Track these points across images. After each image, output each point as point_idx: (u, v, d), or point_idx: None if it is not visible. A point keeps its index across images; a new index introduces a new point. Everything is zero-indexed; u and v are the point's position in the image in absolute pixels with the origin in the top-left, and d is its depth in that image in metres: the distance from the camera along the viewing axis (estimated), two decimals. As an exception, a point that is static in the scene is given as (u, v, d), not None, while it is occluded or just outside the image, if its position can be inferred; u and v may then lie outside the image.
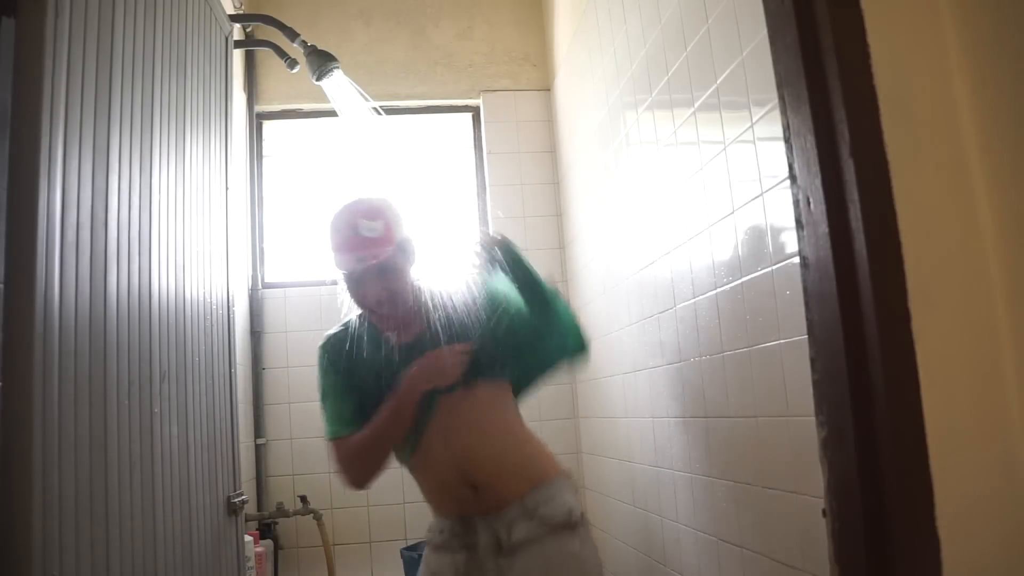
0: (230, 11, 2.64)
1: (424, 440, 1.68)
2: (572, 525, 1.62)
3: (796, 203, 0.91)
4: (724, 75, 1.52)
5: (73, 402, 1.04)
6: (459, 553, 1.68)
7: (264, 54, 3.16)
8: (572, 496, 1.69)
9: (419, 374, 1.63)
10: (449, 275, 1.72)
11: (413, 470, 1.76)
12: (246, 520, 2.31)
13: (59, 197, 1.04)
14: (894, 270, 0.80)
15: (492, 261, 1.63)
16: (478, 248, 1.66)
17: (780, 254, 1.33)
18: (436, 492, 1.74)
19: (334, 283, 1.70)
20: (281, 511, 2.74)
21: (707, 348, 1.69)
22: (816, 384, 0.89)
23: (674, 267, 1.87)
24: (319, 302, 3.10)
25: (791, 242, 1.26)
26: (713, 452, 1.68)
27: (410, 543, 2.88)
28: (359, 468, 1.68)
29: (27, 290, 0.96)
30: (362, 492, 2.97)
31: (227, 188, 1.92)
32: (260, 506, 2.92)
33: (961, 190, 0.83)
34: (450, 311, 1.66)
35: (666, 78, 1.86)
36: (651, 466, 2.12)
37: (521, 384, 1.75)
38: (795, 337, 1.28)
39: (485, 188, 3.36)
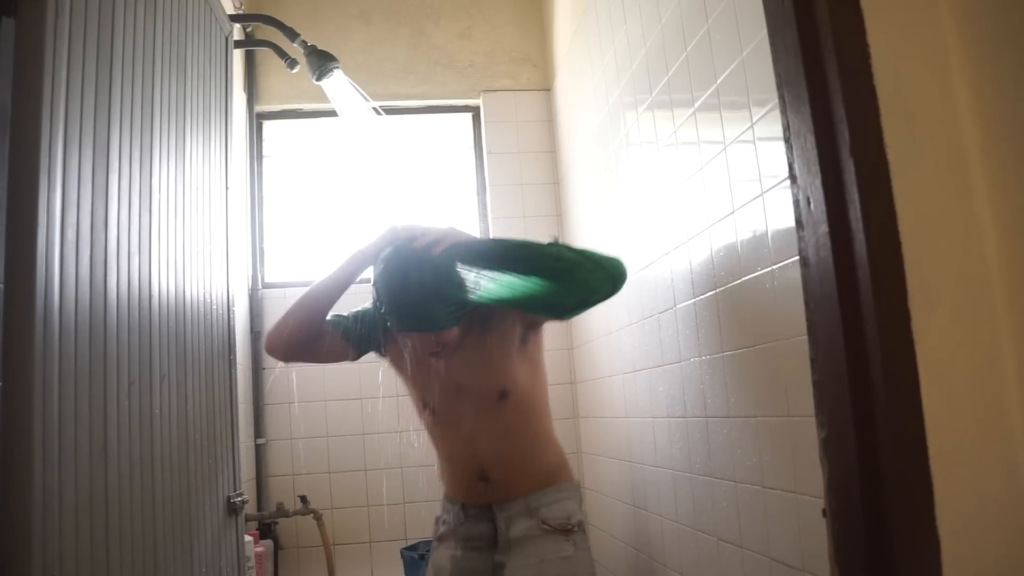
0: (230, 11, 2.64)
1: (441, 415, 1.71)
2: (568, 530, 1.66)
3: (796, 203, 0.91)
4: (724, 75, 1.52)
5: (73, 402, 1.04)
6: (457, 547, 1.72)
7: (264, 54, 3.16)
8: (575, 504, 1.74)
9: (364, 248, 1.68)
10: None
11: (432, 441, 1.81)
12: (246, 520, 2.31)
13: (59, 197, 1.04)
14: (894, 270, 0.80)
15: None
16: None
17: (780, 254, 1.33)
18: (448, 473, 1.79)
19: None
20: (281, 511, 2.74)
21: (707, 348, 1.69)
22: (816, 384, 0.89)
23: (674, 267, 1.86)
24: (319, 302, 3.09)
25: (791, 242, 1.26)
26: (713, 452, 1.68)
27: (410, 543, 2.88)
28: (282, 320, 1.72)
29: (27, 290, 0.96)
30: (354, 483, 2.97)
31: (227, 188, 1.91)
32: (260, 506, 2.92)
33: (961, 190, 0.83)
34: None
35: (666, 78, 1.86)
36: (651, 466, 2.12)
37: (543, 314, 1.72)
38: (795, 337, 1.28)
39: (485, 188, 3.36)
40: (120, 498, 1.17)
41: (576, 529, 1.69)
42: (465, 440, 1.71)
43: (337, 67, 2.37)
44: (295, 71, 2.53)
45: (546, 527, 1.66)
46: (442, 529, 1.80)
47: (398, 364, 1.79)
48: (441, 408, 1.72)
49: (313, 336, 1.69)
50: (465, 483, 1.75)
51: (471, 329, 1.66)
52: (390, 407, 3.05)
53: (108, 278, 1.18)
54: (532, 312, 1.67)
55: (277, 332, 1.71)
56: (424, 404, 1.75)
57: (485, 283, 1.58)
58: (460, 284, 1.54)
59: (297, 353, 1.73)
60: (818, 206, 0.86)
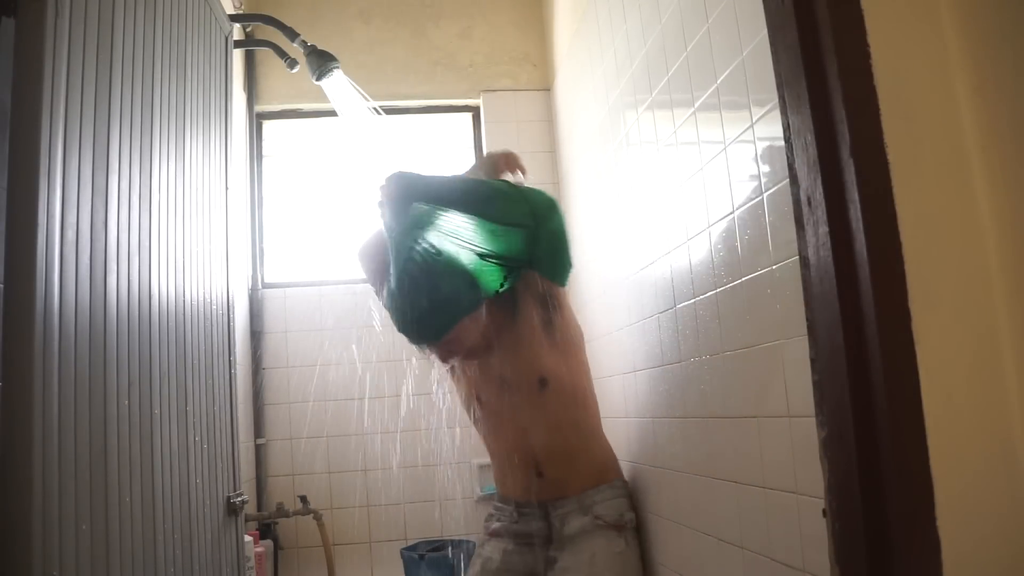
0: (230, 11, 2.64)
1: (491, 410, 1.74)
2: (621, 527, 1.71)
3: (796, 203, 0.91)
4: (724, 75, 1.52)
5: (73, 402, 1.04)
6: (510, 542, 1.75)
7: (264, 54, 3.16)
8: (626, 502, 1.78)
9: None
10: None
11: (485, 441, 1.84)
12: (246, 520, 2.31)
13: (59, 197, 1.04)
14: (894, 270, 0.80)
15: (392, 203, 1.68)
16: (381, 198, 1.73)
17: (780, 254, 1.33)
18: (502, 468, 1.81)
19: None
20: (281, 511, 2.74)
21: (707, 348, 1.69)
22: (816, 384, 0.89)
23: (674, 267, 1.86)
24: (319, 302, 3.10)
25: (791, 242, 1.26)
26: (713, 452, 1.68)
27: (410, 543, 2.88)
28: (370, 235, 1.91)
29: (27, 290, 0.96)
30: (359, 491, 2.98)
31: (227, 188, 1.92)
32: (260, 506, 2.92)
33: (961, 190, 0.83)
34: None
35: (666, 78, 1.86)
36: (651, 466, 2.12)
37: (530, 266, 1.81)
38: (795, 337, 1.28)
39: (485, 188, 3.36)
40: (120, 498, 1.17)
41: (628, 526, 1.74)
42: (515, 434, 1.75)
43: (337, 67, 2.37)
44: (295, 71, 2.53)
45: (599, 522, 1.71)
46: (495, 525, 1.84)
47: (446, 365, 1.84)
48: (490, 403, 1.76)
49: (379, 271, 1.79)
50: (520, 480, 1.78)
51: (502, 322, 1.70)
52: (390, 407, 3.05)
53: (108, 278, 1.18)
54: (508, 268, 1.72)
55: (361, 244, 1.91)
56: (478, 399, 1.79)
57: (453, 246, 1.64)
58: (446, 294, 1.61)
59: (367, 270, 1.90)
60: (818, 206, 0.86)
